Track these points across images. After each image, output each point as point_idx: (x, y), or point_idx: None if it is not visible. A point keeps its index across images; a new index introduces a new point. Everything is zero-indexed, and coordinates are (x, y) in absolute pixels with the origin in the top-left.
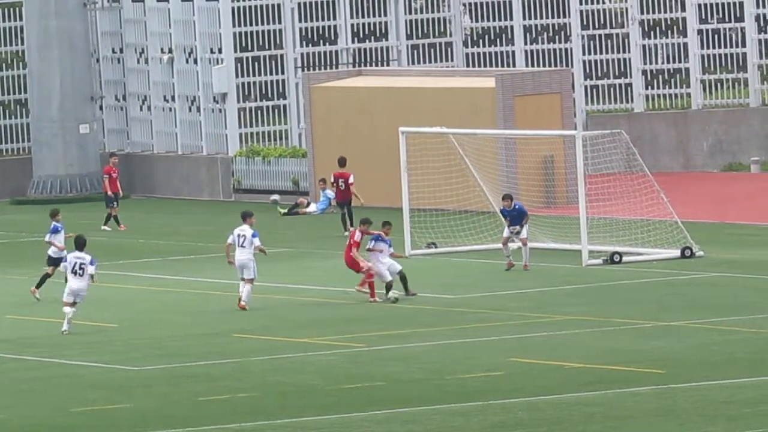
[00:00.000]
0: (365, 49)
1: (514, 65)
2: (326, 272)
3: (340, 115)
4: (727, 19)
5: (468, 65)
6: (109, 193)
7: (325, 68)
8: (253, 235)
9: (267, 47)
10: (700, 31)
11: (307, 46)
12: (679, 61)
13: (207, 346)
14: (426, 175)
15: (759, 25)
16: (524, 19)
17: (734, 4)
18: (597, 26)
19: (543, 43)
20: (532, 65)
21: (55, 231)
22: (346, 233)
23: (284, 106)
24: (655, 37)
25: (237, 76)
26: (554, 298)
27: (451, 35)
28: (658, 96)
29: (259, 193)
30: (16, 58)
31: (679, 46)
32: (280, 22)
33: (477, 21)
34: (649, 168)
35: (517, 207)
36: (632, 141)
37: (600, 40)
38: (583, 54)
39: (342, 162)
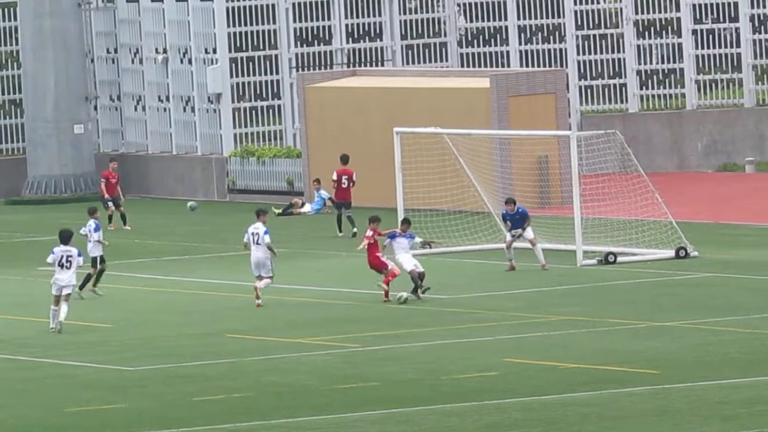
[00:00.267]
0: (360, 50)
1: (508, 65)
2: (320, 272)
3: (334, 116)
4: (721, 20)
5: (462, 65)
6: (106, 196)
7: (320, 68)
8: (265, 233)
9: (261, 47)
10: (694, 32)
11: (301, 46)
12: (674, 62)
13: (201, 346)
14: (420, 176)
15: (753, 25)
16: (519, 19)
17: (729, 4)
18: (591, 26)
19: (537, 43)
20: (527, 65)
21: (98, 229)
22: (341, 234)
23: (279, 106)
24: (650, 38)
25: (231, 76)
26: (549, 298)
27: (445, 35)
28: (653, 96)
29: (253, 194)
30: (10, 58)
31: (674, 46)
32: (274, 23)
33: (471, 21)
34: (643, 168)
35: (520, 211)
36: (627, 141)
37: (594, 40)
38: (578, 54)
39: (345, 159)
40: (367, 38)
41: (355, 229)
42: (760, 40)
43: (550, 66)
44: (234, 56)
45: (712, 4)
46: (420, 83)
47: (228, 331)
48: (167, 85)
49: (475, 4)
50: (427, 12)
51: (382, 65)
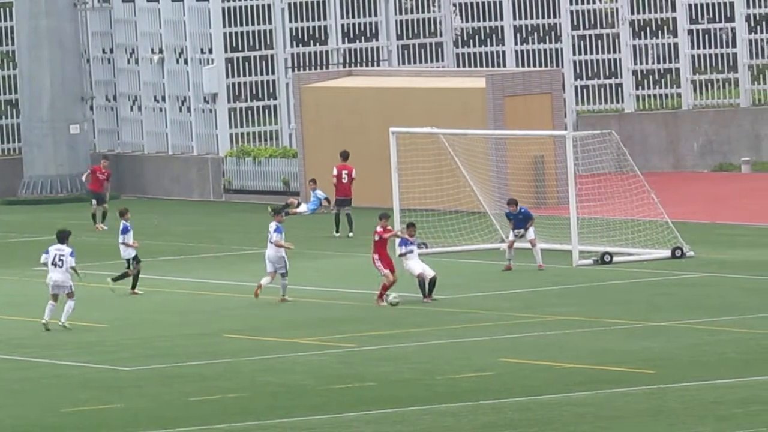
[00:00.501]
0: (356, 50)
1: (504, 65)
2: (317, 272)
3: (330, 116)
4: (717, 19)
5: (458, 65)
6: (87, 188)
7: (316, 68)
8: (274, 231)
9: (257, 47)
10: (690, 31)
11: (297, 46)
12: (670, 62)
13: (198, 346)
14: (416, 176)
15: (749, 25)
16: (514, 19)
17: (724, 4)
18: (587, 26)
19: (533, 43)
20: (523, 65)
21: (126, 231)
22: (337, 234)
23: (275, 106)
24: (646, 38)
25: (227, 76)
26: (545, 298)
27: (441, 35)
28: (649, 96)
29: (249, 194)
30: (6, 59)
31: (670, 46)
32: (270, 23)
33: (467, 21)
34: (639, 168)
35: (522, 211)
36: (622, 141)
37: (590, 40)
38: (574, 54)
39: (345, 155)
40: (363, 38)
41: (351, 234)
42: (756, 40)
43: (545, 66)
44: (230, 56)
45: (707, 4)
46: (416, 83)
47: (224, 331)
48: (163, 85)
49: (471, 4)
50: (423, 12)
51: (378, 65)
